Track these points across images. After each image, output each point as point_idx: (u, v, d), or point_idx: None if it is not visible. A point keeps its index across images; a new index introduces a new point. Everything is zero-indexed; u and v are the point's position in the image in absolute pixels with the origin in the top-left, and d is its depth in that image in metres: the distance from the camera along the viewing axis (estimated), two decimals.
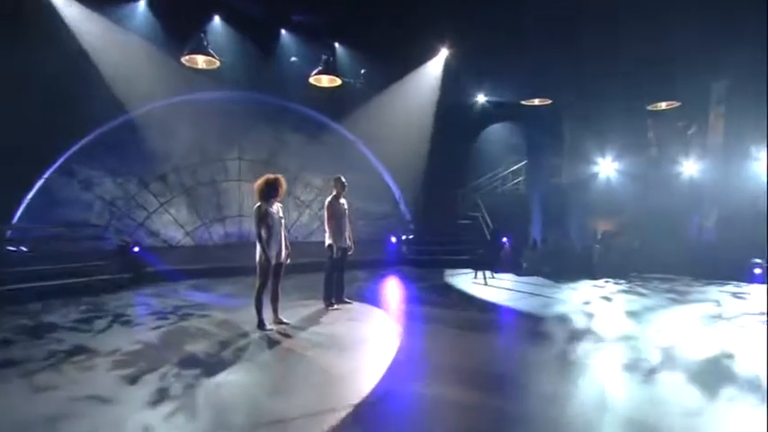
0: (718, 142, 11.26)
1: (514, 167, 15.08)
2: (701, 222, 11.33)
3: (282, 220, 5.86)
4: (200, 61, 9.54)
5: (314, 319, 6.25)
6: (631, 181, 12.38)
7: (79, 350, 4.95)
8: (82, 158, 10.46)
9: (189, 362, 4.60)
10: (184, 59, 9.50)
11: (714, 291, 8.67)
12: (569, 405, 3.72)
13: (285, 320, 5.90)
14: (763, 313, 6.73)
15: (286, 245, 5.90)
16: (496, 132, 15.00)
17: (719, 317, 6.75)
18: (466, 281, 9.80)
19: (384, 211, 13.59)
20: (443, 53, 11.76)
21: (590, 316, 6.72)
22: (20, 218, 9.94)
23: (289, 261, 5.98)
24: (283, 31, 10.97)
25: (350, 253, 7.11)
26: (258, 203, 5.66)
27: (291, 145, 12.54)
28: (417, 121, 12.67)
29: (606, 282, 9.52)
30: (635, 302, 7.70)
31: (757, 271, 9.27)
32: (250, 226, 11.72)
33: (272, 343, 5.24)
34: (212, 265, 10.02)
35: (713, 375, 4.37)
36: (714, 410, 3.66)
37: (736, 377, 4.32)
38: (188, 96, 10.78)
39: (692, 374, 4.36)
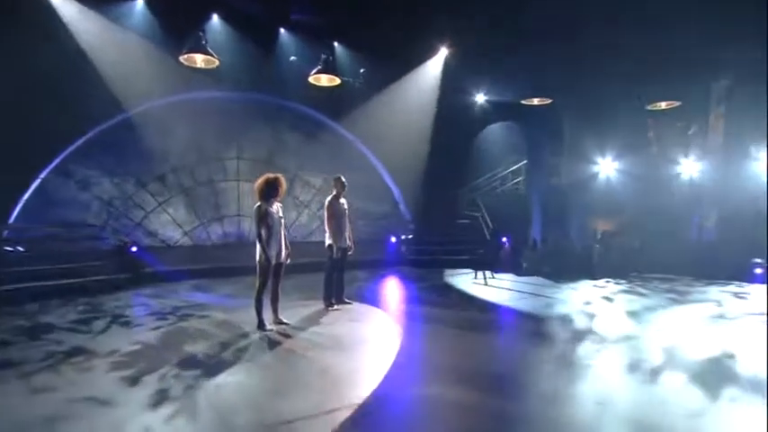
0: (718, 142, 11.26)
1: (514, 167, 15.08)
2: (701, 222, 11.33)
3: (282, 220, 5.83)
4: (199, 60, 9.48)
5: (314, 320, 6.22)
6: (631, 181, 12.38)
7: (77, 351, 4.90)
8: (79, 158, 10.39)
9: (189, 363, 4.56)
10: (183, 58, 9.44)
11: (715, 291, 8.66)
12: (570, 405, 3.70)
13: (285, 321, 5.87)
14: (764, 314, 6.72)
15: (286, 245, 5.87)
16: (496, 132, 14.97)
17: (721, 317, 6.73)
18: (466, 281, 9.78)
19: (384, 211, 13.57)
20: (443, 52, 11.72)
21: (591, 316, 6.70)
22: (16, 218, 9.88)
23: (289, 261, 5.94)
24: (282, 30, 10.91)
25: (350, 253, 7.08)
26: (258, 203, 5.63)
27: (290, 144, 12.52)
28: (417, 121, 12.63)
29: (606, 282, 9.50)
30: (635, 302, 7.67)
31: (758, 271, 9.27)
32: (248, 226, 11.82)
33: (272, 344, 5.20)
34: (211, 265, 9.98)
35: (714, 376, 4.35)
36: (715, 410, 3.64)
37: (737, 377, 4.30)
38: (186, 95, 10.72)
39: (693, 375, 4.33)
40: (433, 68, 12.12)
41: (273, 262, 5.63)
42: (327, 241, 6.82)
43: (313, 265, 8.05)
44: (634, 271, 10.37)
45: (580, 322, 6.34)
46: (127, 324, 6.12)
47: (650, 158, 12.60)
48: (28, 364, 4.52)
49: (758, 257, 9.33)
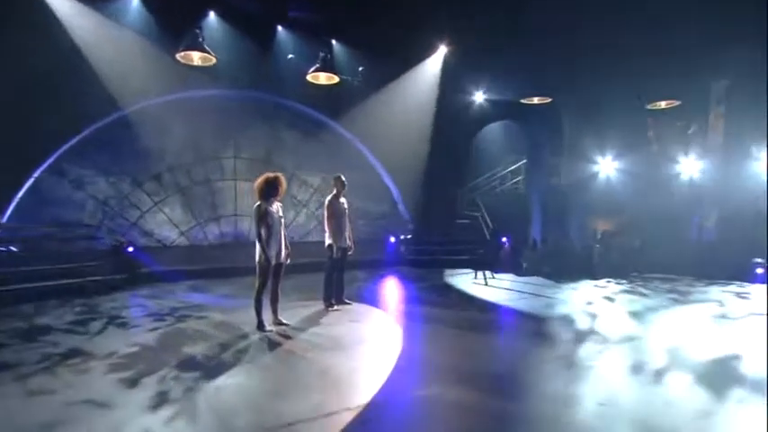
0: (718, 142, 11.27)
1: (514, 167, 15.06)
2: (702, 222, 11.33)
3: (282, 220, 5.77)
4: (196, 58, 9.36)
5: (314, 320, 6.16)
6: (631, 180, 12.36)
7: (74, 353, 4.82)
8: (73, 157, 10.22)
9: (188, 364, 4.48)
10: (179, 56, 9.33)
11: (716, 291, 8.65)
12: (570, 405, 3.67)
13: (285, 321, 5.80)
14: (764, 314, 6.70)
15: (286, 245, 5.81)
16: (495, 131, 14.93)
17: (723, 317, 6.71)
18: (466, 281, 9.73)
19: (383, 211, 13.49)
20: (442, 50, 11.67)
21: (592, 316, 6.66)
22: (9, 217, 9.73)
23: (289, 261, 5.87)
24: (280, 28, 10.82)
25: (350, 253, 7.00)
26: (258, 202, 5.56)
27: (288, 143, 12.40)
28: (416, 120, 12.55)
29: (607, 282, 9.47)
30: (637, 303, 7.64)
31: (759, 271, 9.26)
32: (246, 225, 11.73)
33: (272, 344, 5.14)
34: (208, 265, 9.88)
35: (717, 376, 4.33)
36: (717, 411, 3.62)
37: (740, 378, 4.28)
38: (183, 93, 10.60)
39: (696, 375, 4.31)
40: (432, 67, 12.06)
41: (273, 262, 5.57)
42: (327, 241, 6.75)
43: (312, 266, 7.97)
44: (634, 271, 10.35)
45: (581, 322, 6.30)
46: (124, 325, 6.03)
47: (650, 158, 12.59)
48: (24, 366, 4.43)
49: (758, 257, 9.33)
